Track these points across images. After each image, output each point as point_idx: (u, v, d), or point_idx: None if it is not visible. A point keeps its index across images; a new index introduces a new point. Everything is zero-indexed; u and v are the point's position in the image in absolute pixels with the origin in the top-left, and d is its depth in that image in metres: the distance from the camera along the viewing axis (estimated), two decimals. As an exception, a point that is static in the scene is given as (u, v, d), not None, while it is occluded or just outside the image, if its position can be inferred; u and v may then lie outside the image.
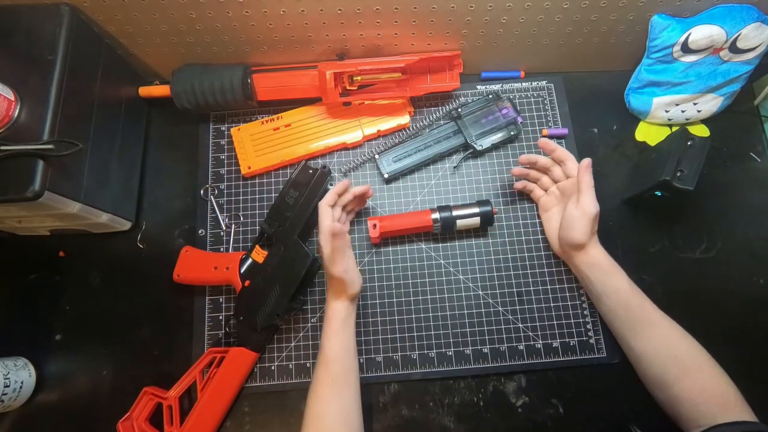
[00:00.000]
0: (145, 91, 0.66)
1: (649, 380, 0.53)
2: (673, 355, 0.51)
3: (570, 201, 0.57)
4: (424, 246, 0.64)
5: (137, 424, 0.54)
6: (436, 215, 0.60)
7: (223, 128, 0.69)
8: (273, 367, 0.60)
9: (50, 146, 0.47)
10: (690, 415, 0.49)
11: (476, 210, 0.61)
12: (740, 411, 0.47)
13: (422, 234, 0.64)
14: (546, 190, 0.62)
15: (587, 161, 0.56)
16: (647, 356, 0.53)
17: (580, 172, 0.55)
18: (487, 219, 0.61)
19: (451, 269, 0.63)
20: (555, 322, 0.61)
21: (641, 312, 0.54)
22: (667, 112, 0.66)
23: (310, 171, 0.60)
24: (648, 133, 0.69)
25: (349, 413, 0.51)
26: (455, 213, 0.60)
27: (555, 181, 0.61)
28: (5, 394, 0.54)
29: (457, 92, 0.70)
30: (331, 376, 0.52)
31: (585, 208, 0.54)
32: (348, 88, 0.64)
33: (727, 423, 0.45)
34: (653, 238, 0.64)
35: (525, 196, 0.66)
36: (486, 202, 0.61)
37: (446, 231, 0.62)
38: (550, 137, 0.68)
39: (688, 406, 0.49)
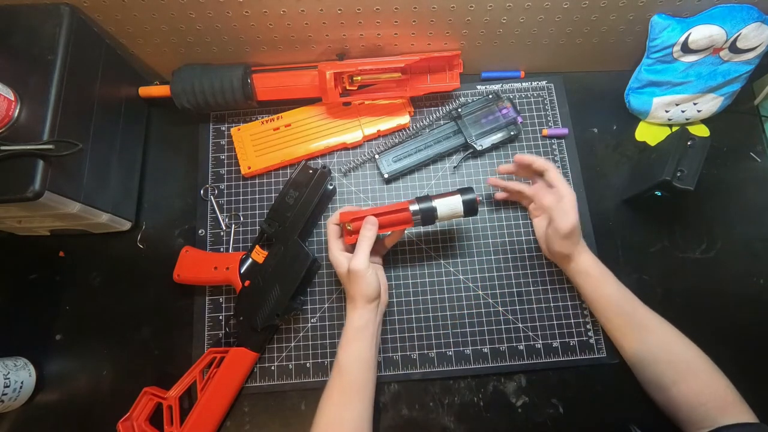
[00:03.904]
0: (145, 91, 0.66)
1: (646, 384, 0.53)
2: (667, 360, 0.51)
3: (551, 216, 0.56)
4: (424, 246, 0.64)
5: (137, 424, 0.54)
6: (415, 206, 0.54)
7: (223, 128, 0.69)
8: (273, 367, 0.60)
9: (50, 146, 0.47)
10: (689, 418, 0.49)
11: (458, 197, 0.54)
12: (739, 412, 0.47)
13: (422, 234, 0.64)
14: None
15: (554, 173, 0.55)
16: (642, 361, 0.53)
17: (556, 183, 0.55)
18: (471, 207, 0.55)
19: (451, 269, 0.63)
20: (555, 322, 0.61)
21: (633, 318, 0.54)
22: (667, 112, 0.66)
23: (310, 171, 0.60)
24: (648, 133, 0.69)
25: (359, 424, 0.50)
26: (435, 202, 0.54)
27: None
28: (5, 394, 0.54)
29: (457, 92, 0.70)
30: (343, 385, 0.51)
31: (558, 226, 0.54)
32: (348, 88, 0.64)
33: (727, 425, 0.45)
34: (653, 238, 0.64)
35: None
36: (469, 189, 0.55)
37: (427, 223, 0.55)
38: (550, 137, 0.68)
39: (686, 410, 0.49)
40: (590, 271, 0.56)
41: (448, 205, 0.54)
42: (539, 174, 0.58)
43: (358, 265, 0.50)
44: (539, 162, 0.57)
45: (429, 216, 0.54)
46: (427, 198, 0.55)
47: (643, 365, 0.53)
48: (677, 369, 0.50)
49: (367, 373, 0.52)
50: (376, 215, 0.54)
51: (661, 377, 0.51)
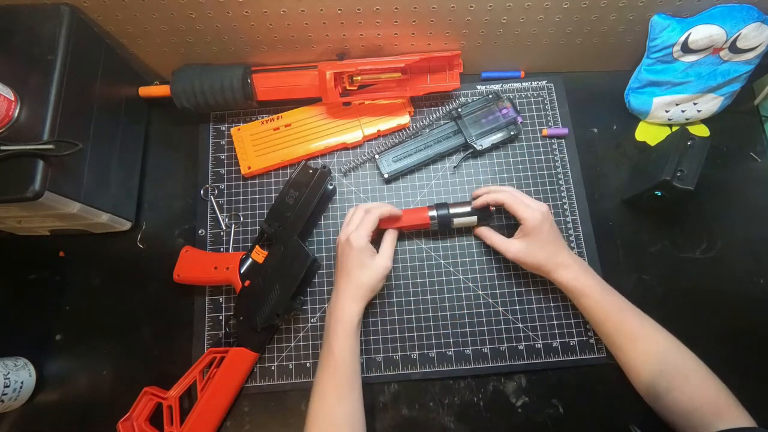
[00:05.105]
0: (145, 91, 0.66)
1: (640, 391, 0.53)
2: (658, 369, 0.50)
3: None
4: (423, 246, 0.64)
5: (137, 424, 0.54)
6: (434, 212, 0.60)
7: (223, 128, 0.69)
8: (273, 367, 0.60)
9: (50, 146, 0.47)
10: (684, 423, 0.48)
11: (472, 208, 0.60)
12: (735, 416, 0.46)
13: (422, 233, 0.64)
14: None
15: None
16: (633, 370, 0.53)
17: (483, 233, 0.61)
18: (485, 216, 0.60)
19: (451, 269, 0.63)
20: (555, 322, 0.61)
21: (621, 327, 0.53)
22: (667, 112, 0.67)
23: (310, 171, 0.60)
24: (648, 133, 0.69)
25: (354, 418, 0.50)
26: (452, 210, 0.60)
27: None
28: (5, 394, 0.54)
29: (457, 92, 0.70)
30: (338, 379, 0.51)
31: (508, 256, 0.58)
32: (348, 88, 0.64)
33: (724, 431, 0.44)
34: (653, 238, 0.64)
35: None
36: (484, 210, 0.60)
37: (443, 229, 0.62)
38: (550, 137, 0.68)
39: (681, 416, 0.49)
40: (570, 286, 0.55)
41: (464, 215, 0.60)
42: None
43: (389, 263, 0.55)
44: (492, 197, 0.58)
45: (446, 222, 0.60)
46: (445, 205, 0.60)
47: (635, 374, 0.53)
48: (669, 377, 0.50)
49: (359, 366, 0.54)
50: (399, 223, 0.60)
51: (654, 386, 0.51)
